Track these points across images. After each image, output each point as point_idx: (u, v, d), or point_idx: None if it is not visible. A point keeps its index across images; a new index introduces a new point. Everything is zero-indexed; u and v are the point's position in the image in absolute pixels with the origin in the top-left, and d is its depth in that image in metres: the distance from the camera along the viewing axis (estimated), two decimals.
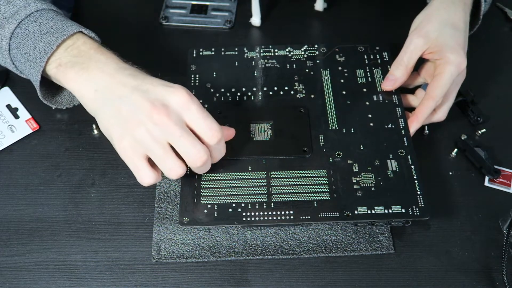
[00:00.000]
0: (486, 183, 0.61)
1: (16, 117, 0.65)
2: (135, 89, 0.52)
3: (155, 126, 0.51)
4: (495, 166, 0.62)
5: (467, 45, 0.63)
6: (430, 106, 0.60)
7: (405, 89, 0.66)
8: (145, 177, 0.53)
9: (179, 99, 0.52)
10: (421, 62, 0.64)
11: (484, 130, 0.65)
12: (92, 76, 0.54)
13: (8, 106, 0.66)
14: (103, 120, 0.54)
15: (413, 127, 0.61)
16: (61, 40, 0.56)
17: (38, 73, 0.56)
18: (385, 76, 0.64)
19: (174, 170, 0.52)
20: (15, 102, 0.67)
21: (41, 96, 0.59)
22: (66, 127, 0.65)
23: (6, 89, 0.68)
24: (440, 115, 0.63)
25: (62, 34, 0.56)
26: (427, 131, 0.65)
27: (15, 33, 0.57)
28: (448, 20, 0.62)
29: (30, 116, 0.65)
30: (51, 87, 0.61)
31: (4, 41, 0.57)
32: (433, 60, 0.62)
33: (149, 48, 0.72)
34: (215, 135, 0.53)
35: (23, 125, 0.65)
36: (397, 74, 0.63)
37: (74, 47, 0.56)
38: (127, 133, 0.52)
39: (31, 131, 0.64)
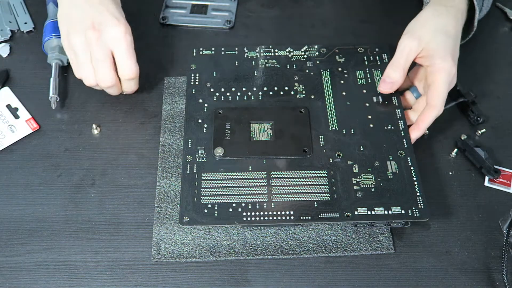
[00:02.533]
0: (486, 183, 0.61)
1: (16, 117, 0.65)
2: (93, 6, 0.61)
3: (85, 41, 0.60)
4: (495, 166, 0.62)
5: (458, 52, 0.63)
6: (433, 116, 0.60)
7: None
8: (78, 72, 0.63)
9: (116, 32, 0.60)
10: (411, 66, 0.64)
11: (484, 130, 0.65)
12: None
13: (8, 106, 0.66)
14: (60, 13, 0.63)
15: (414, 135, 0.61)
16: None
17: None
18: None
19: (88, 79, 0.63)
20: (15, 102, 0.67)
21: None
22: (66, 127, 0.65)
23: (6, 89, 0.68)
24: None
25: None
26: (427, 131, 0.64)
27: None
28: (440, 27, 0.62)
29: (30, 116, 0.66)
30: None
31: None
32: (424, 65, 0.62)
33: (149, 48, 0.72)
34: (130, 73, 0.62)
35: (23, 125, 0.65)
36: (395, 77, 0.62)
37: None
38: (69, 34, 0.61)
39: (31, 131, 0.64)
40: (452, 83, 0.62)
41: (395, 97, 0.64)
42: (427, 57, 0.61)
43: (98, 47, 0.60)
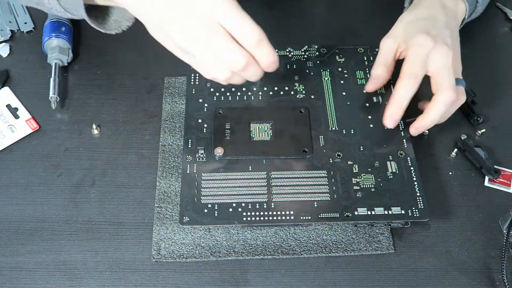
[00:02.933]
0: (486, 183, 0.61)
1: (16, 117, 0.65)
2: None
3: (184, 26, 0.50)
4: (495, 166, 0.62)
5: (440, 32, 0.61)
6: (403, 86, 0.58)
7: None
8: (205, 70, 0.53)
9: (218, 1, 0.49)
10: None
11: (484, 130, 0.65)
12: None
13: (8, 106, 0.66)
14: (152, 20, 0.53)
15: (389, 111, 0.59)
16: None
17: None
18: None
19: (217, 70, 0.52)
20: (15, 102, 0.67)
21: (90, 21, 0.58)
22: (66, 127, 0.65)
23: (6, 89, 0.68)
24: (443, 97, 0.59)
25: None
26: (427, 131, 0.65)
27: None
28: (411, 18, 0.63)
29: (30, 116, 0.66)
30: (98, 18, 0.60)
31: None
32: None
33: (149, 48, 0.72)
34: (254, 35, 0.50)
35: (23, 125, 0.65)
36: (376, 73, 0.62)
37: None
38: (172, 35, 0.51)
39: (31, 131, 0.64)
40: (438, 56, 0.59)
41: None
42: (405, 49, 0.61)
43: (202, 24, 0.49)
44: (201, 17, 0.49)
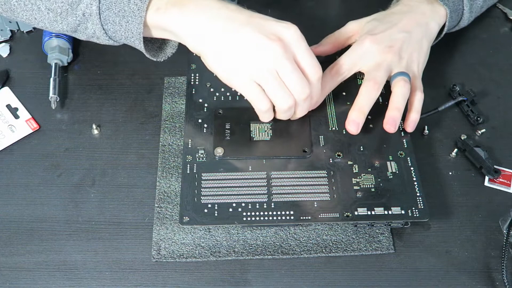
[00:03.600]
0: (486, 183, 0.61)
1: (16, 117, 0.65)
2: (245, 24, 0.53)
3: (269, 58, 0.53)
4: (495, 166, 0.62)
5: (385, 35, 0.62)
6: (329, 76, 0.61)
7: None
8: (265, 104, 0.56)
9: (293, 34, 0.54)
10: None
11: (484, 130, 0.65)
12: (195, 13, 0.54)
13: (8, 106, 0.66)
14: (211, 57, 0.55)
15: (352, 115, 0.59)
16: None
17: (140, 24, 0.55)
18: None
19: (285, 99, 0.55)
20: (15, 102, 0.67)
21: (144, 50, 0.58)
22: (66, 127, 0.65)
23: (6, 89, 0.68)
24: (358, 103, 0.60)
25: None
26: (427, 131, 0.65)
27: None
28: (380, 17, 0.64)
29: (30, 116, 0.66)
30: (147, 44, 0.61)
31: (94, 5, 0.56)
32: None
33: None
34: (318, 72, 0.56)
35: (23, 125, 0.65)
36: (322, 42, 0.66)
37: None
38: (242, 67, 0.54)
39: (31, 131, 0.64)
40: (369, 55, 0.61)
41: None
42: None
43: (285, 58, 0.53)
44: (286, 46, 0.53)
